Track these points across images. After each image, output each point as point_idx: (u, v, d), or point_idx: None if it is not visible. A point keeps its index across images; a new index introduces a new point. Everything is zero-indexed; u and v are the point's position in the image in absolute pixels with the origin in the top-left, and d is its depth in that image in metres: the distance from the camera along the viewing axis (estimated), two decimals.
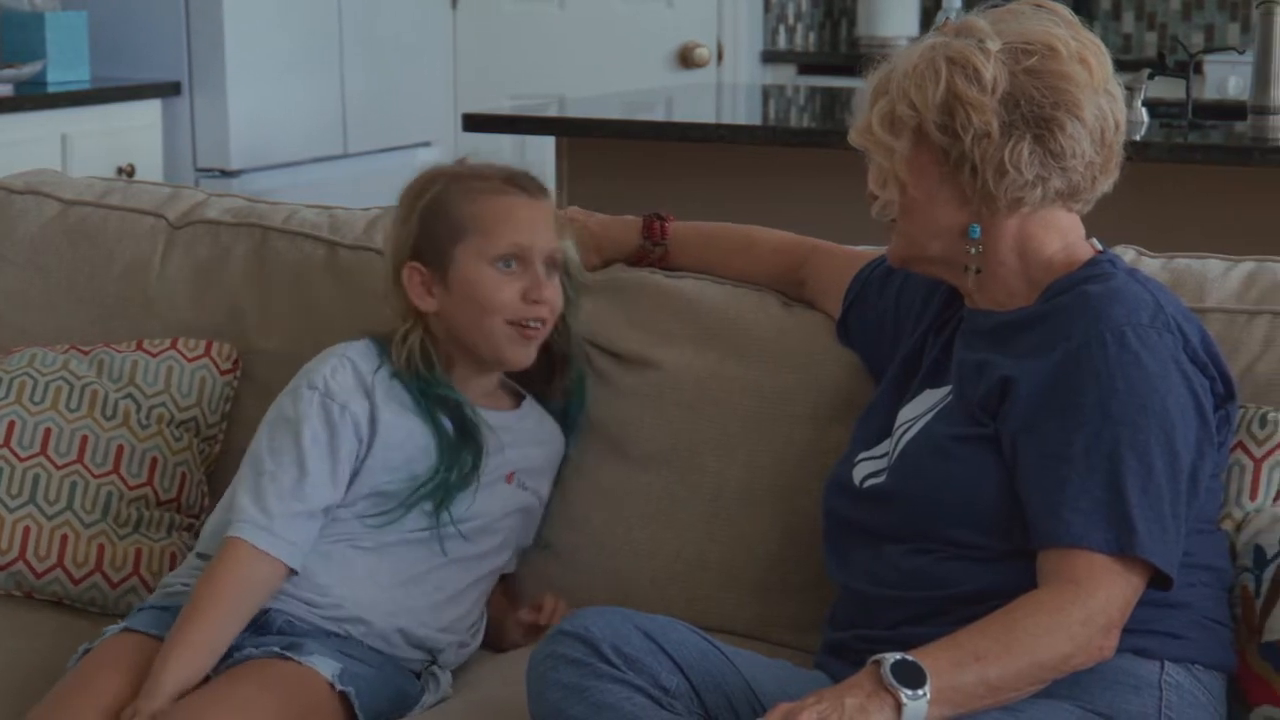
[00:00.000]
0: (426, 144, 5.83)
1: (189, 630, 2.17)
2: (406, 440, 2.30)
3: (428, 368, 2.31)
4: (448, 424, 2.31)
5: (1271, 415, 2.21)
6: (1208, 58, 5.53)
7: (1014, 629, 1.93)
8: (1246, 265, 2.41)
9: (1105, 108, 2.09)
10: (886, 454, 2.19)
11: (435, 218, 2.33)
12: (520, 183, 2.36)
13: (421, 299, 2.33)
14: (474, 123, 4.24)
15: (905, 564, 2.10)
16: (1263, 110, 3.75)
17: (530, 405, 2.45)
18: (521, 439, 2.41)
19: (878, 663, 1.87)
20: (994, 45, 2.07)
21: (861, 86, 2.16)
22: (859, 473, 2.20)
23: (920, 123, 2.08)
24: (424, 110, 5.83)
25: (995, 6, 2.14)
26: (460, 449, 2.31)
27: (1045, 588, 1.97)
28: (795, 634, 2.41)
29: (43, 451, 2.55)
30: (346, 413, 2.28)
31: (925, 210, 2.12)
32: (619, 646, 2.01)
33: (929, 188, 2.11)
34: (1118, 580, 1.96)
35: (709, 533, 2.47)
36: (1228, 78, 5.53)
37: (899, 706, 1.85)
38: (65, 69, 4.98)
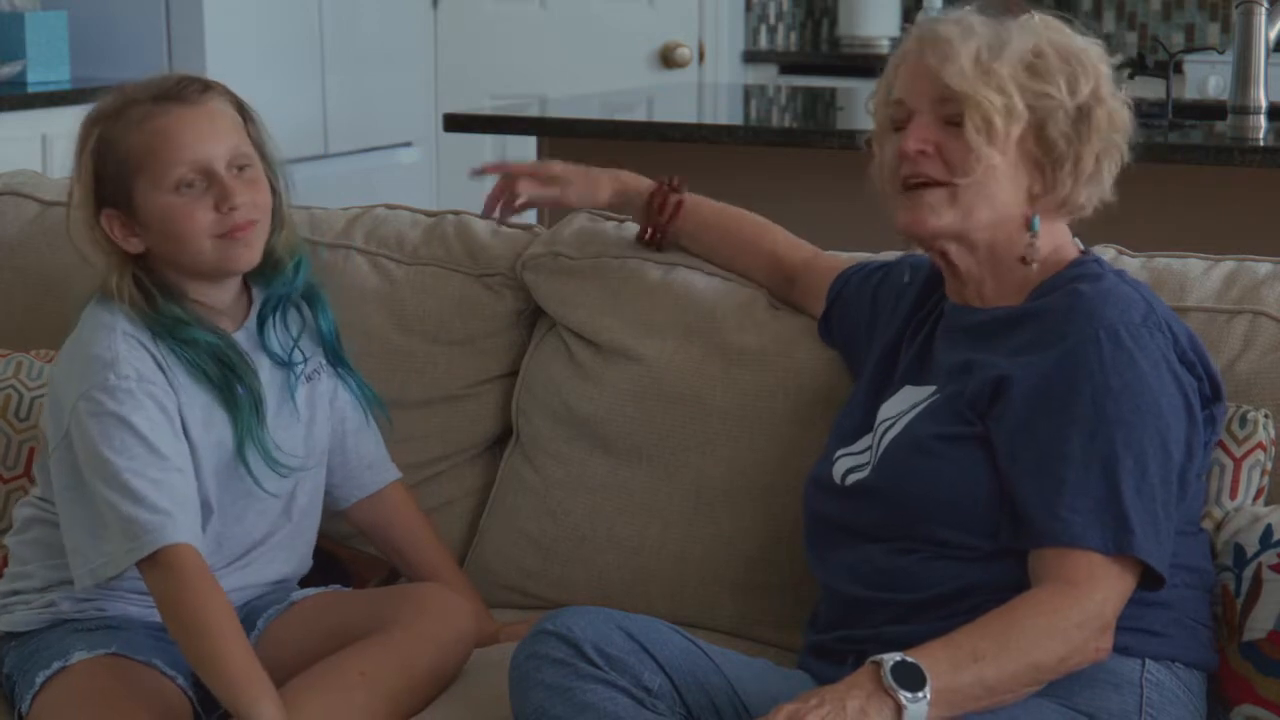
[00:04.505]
0: (408, 144, 5.82)
1: (229, 671, 2.11)
2: (204, 409, 2.25)
3: (151, 305, 2.23)
4: (213, 369, 2.24)
5: (1251, 414, 2.22)
6: (1188, 57, 5.54)
7: (1011, 630, 1.93)
8: (1227, 264, 2.42)
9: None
10: (868, 448, 2.19)
11: (105, 160, 2.22)
12: (176, 94, 2.23)
13: (128, 243, 2.24)
14: (455, 123, 4.23)
15: (888, 563, 2.10)
16: (1243, 110, 3.75)
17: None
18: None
19: (877, 664, 1.87)
20: (1106, 59, 2.13)
21: (929, 35, 2.10)
22: (839, 469, 2.20)
23: (1049, 106, 2.08)
24: (405, 110, 5.82)
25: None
26: (232, 387, 2.25)
27: (1042, 588, 1.97)
28: (777, 632, 2.41)
29: (26, 473, 2.53)
30: (166, 401, 2.21)
31: (1000, 187, 2.10)
32: (601, 646, 2.01)
33: (1015, 168, 2.10)
34: (1114, 581, 1.97)
35: (690, 529, 2.48)
36: (1208, 77, 5.54)
37: (899, 709, 1.85)
38: (45, 69, 4.97)
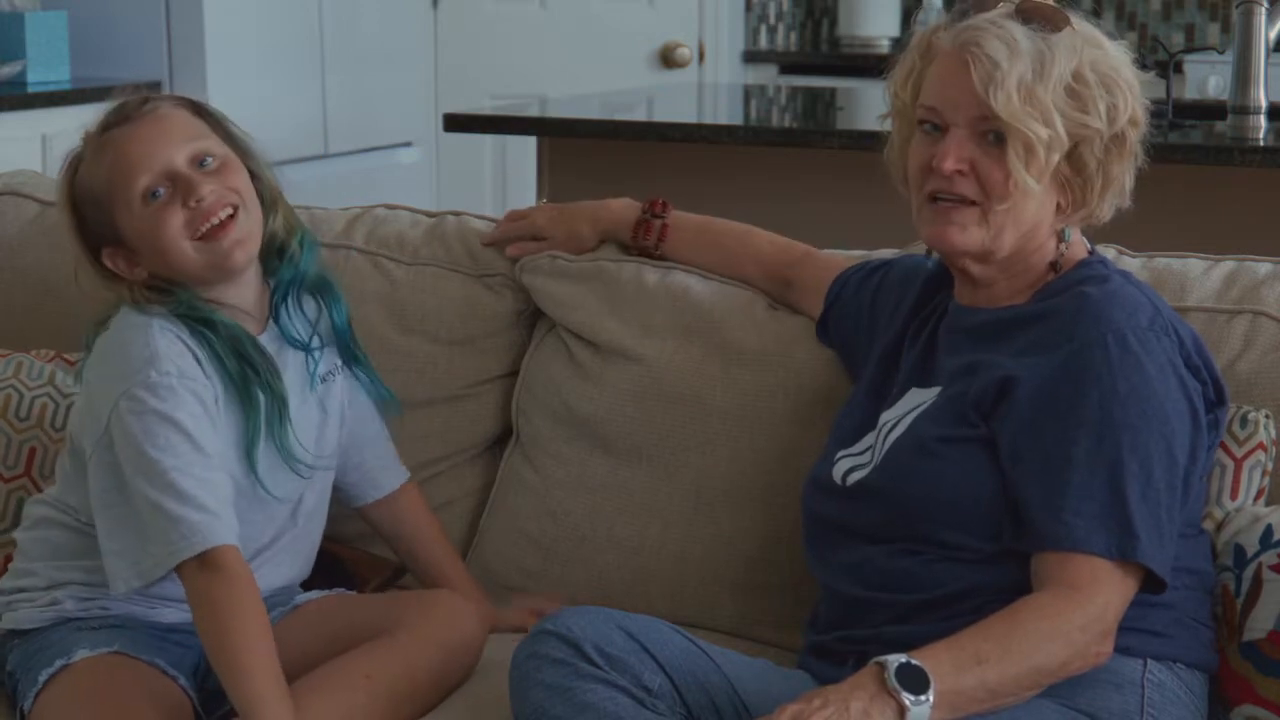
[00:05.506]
0: (407, 144, 5.82)
1: (249, 670, 2.09)
2: (224, 407, 2.24)
3: (169, 297, 2.23)
4: (232, 364, 2.24)
5: (1252, 415, 2.22)
6: (1188, 57, 5.54)
7: (1014, 633, 1.93)
8: (1227, 264, 2.42)
9: None
10: (869, 449, 2.19)
11: (83, 205, 2.25)
12: (119, 117, 2.25)
13: (132, 273, 2.25)
14: (455, 123, 4.23)
15: (889, 565, 2.10)
16: (1243, 110, 3.75)
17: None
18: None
19: (880, 665, 1.87)
20: (1133, 69, 2.12)
21: (971, 50, 2.06)
22: (839, 470, 2.20)
23: (1089, 134, 2.07)
24: (405, 110, 5.82)
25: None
26: (249, 384, 2.24)
27: (1045, 591, 1.97)
28: (777, 632, 2.41)
29: (26, 473, 2.53)
30: (206, 397, 2.22)
31: (1032, 208, 2.09)
32: (602, 646, 2.01)
33: (1046, 189, 2.09)
34: (1116, 585, 1.97)
35: (690, 530, 2.47)
36: (1208, 77, 5.54)
37: (903, 711, 1.85)
38: (45, 69, 4.97)
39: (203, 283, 2.26)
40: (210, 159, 2.24)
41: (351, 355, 2.41)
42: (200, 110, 2.31)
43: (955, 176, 2.07)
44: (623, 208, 2.62)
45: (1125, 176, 2.13)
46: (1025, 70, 2.04)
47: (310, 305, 2.38)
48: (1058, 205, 2.11)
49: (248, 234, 2.25)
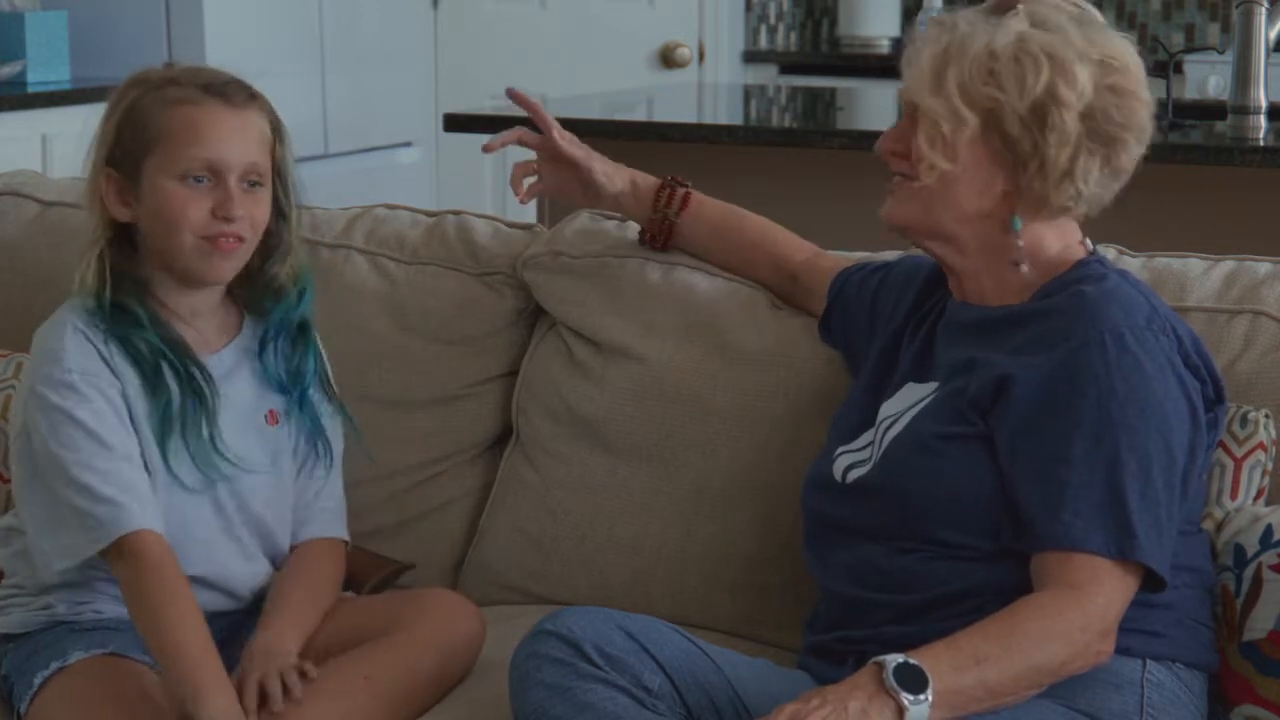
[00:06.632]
0: (408, 144, 5.82)
1: (186, 656, 2.09)
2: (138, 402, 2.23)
3: (99, 295, 2.22)
4: (149, 368, 2.22)
5: (1252, 415, 2.22)
6: (1188, 57, 5.54)
7: (1014, 633, 1.93)
8: (1227, 264, 2.42)
9: (1151, 129, 2.14)
10: (868, 445, 2.19)
11: (130, 126, 2.24)
12: (220, 90, 2.24)
13: (117, 208, 2.25)
14: (455, 123, 4.23)
15: (888, 564, 2.10)
16: (1243, 110, 3.75)
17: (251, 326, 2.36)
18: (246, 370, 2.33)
19: (879, 665, 1.87)
20: (1093, 53, 2.08)
21: (914, 37, 2.12)
22: (839, 466, 2.20)
23: (1000, 108, 2.07)
24: (405, 110, 5.82)
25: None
26: (163, 386, 2.22)
27: (1045, 591, 1.97)
28: (776, 632, 2.41)
29: None
30: (111, 393, 2.21)
31: (963, 189, 2.10)
32: (601, 646, 2.01)
33: (977, 169, 2.09)
34: (1116, 584, 1.97)
35: (690, 530, 2.48)
36: (1208, 77, 5.54)
37: (901, 710, 1.85)
38: (45, 69, 4.97)
39: (168, 270, 2.26)
40: (258, 183, 2.25)
41: (304, 399, 2.37)
42: (277, 129, 2.31)
43: (890, 157, 2.14)
44: (645, 179, 2.61)
45: (1079, 166, 2.08)
46: (941, 51, 2.08)
47: (287, 347, 2.37)
48: (1003, 191, 2.11)
49: (239, 264, 2.27)
